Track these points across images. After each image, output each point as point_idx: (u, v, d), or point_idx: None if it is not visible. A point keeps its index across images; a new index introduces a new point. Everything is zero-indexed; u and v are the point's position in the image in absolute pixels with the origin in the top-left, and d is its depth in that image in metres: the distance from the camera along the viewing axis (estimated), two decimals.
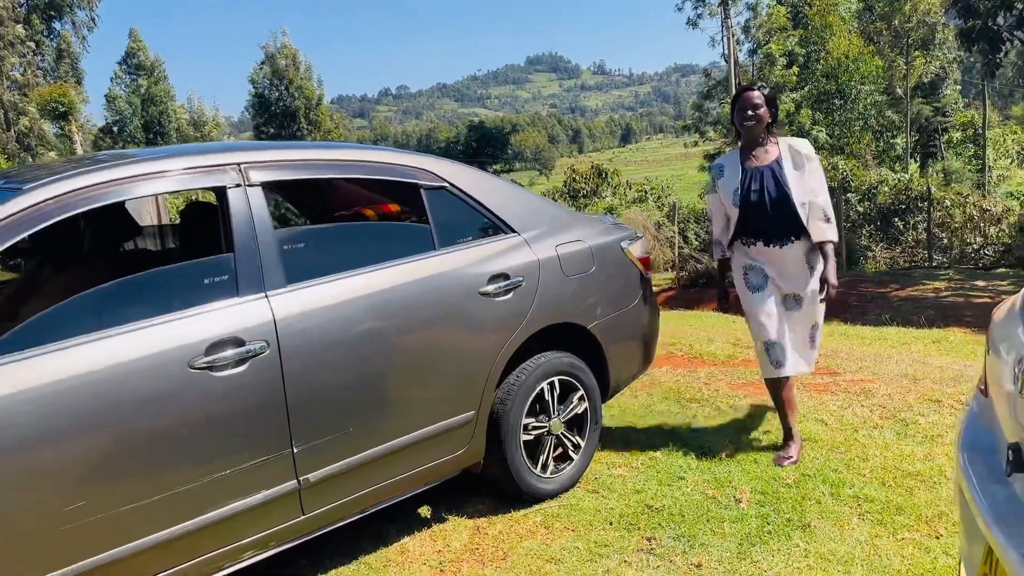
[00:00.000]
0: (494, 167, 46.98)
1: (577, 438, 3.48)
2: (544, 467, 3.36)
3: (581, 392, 3.46)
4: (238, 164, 2.65)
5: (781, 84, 31.24)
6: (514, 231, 3.27)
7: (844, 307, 12.24)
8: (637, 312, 3.73)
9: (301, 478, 2.61)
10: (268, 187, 2.74)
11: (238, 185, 2.61)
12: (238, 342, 2.45)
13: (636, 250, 3.74)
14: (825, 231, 3.47)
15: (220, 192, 2.59)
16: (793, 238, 3.48)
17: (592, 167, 24.69)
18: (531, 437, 3.31)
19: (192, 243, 3.02)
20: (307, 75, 40.99)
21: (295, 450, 2.58)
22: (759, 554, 2.88)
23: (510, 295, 3.14)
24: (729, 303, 3.97)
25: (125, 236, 3.27)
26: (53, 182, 2.29)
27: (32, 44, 31.13)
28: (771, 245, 3.52)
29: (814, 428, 4.03)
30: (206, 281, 2.52)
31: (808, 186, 3.45)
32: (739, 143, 3.68)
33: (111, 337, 2.26)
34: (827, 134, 30.72)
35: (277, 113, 45.84)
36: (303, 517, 2.65)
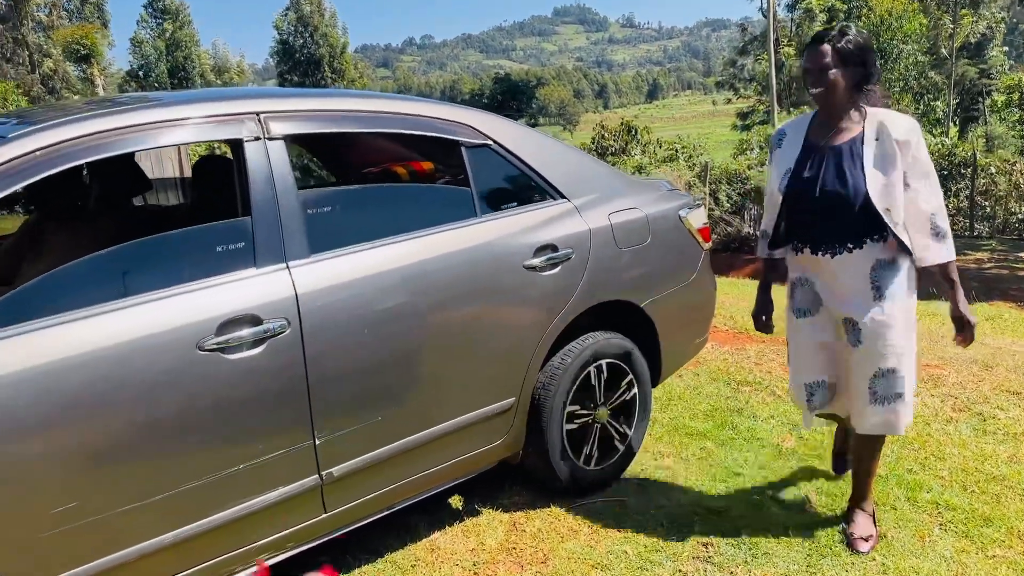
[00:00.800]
0: (519, 121, 46.30)
1: (624, 427, 3.16)
2: (588, 458, 3.05)
3: (630, 377, 3.13)
4: (257, 113, 2.30)
5: None
6: (563, 197, 2.90)
7: None
8: (694, 289, 3.37)
9: (324, 472, 2.31)
10: (292, 141, 2.40)
11: (257, 138, 2.27)
12: (254, 320, 2.13)
13: (695, 220, 3.37)
14: (936, 251, 2.47)
15: (236, 145, 2.25)
16: (851, 245, 2.48)
17: (622, 123, 23.99)
18: (575, 426, 2.99)
19: (205, 204, 2.69)
20: (332, 22, 40.36)
21: (317, 442, 2.28)
22: (831, 569, 2.56)
23: (557, 269, 2.79)
24: (769, 322, 2.85)
25: (133, 192, 2.95)
26: (40, 131, 1.96)
27: None
28: (819, 253, 2.54)
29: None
30: (219, 249, 2.19)
31: (894, 186, 2.41)
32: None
33: (107, 313, 1.95)
34: None
35: (301, 61, 45.36)
36: (325, 515, 2.36)
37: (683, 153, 21.17)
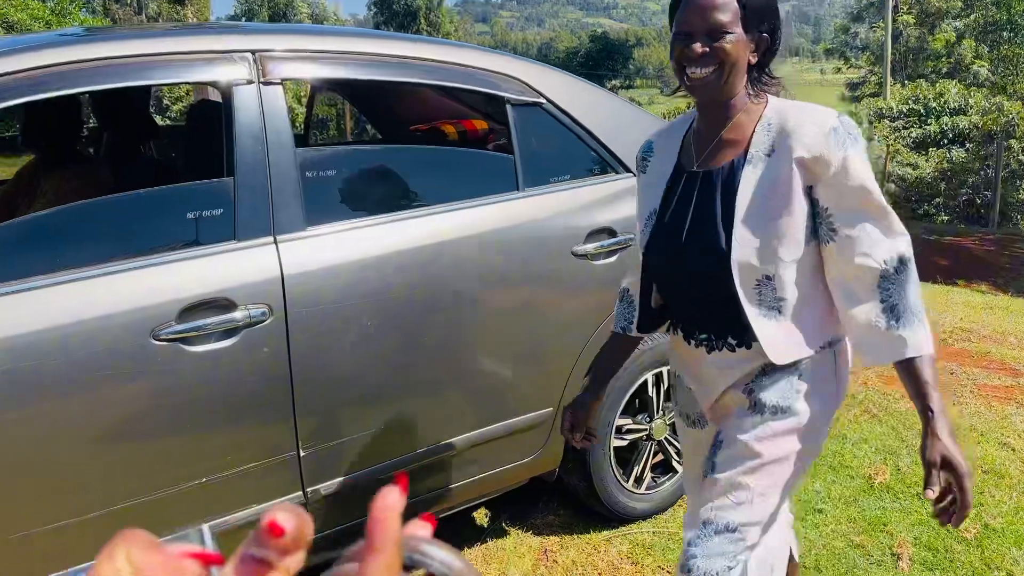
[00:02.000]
0: (612, 82, 44.96)
1: None
2: (638, 480, 2.59)
3: None
4: (252, 52, 1.89)
5: (943, 10, 27.84)
6: (628, 171, 2.40)
7: (994, 270, 10.74)
8: None
9: (309, 490, 1.93)
10: (318, 87, 1.98)
11: (249, 81, 1.86)
12: (227, 305, 1.74)
13: None
14: (888, 342, 1.40)
15: (225, 90, 1.85)
16: (733, 339, 1.50)
17: None
18: (625, 442, 2.53)
19: (192, 159, 2.32)
20: None
21: (302, 454, 1.89)
22: None
23: (614, 258, 2.30)
24: (579, 429, 1.73)
25: (138, 139, 2.60)
26: None
27: None
28: (690, 342, 1.58)
29: (997, 455, 3.08)
30: (190, 216, 1.80)
31: (782, 239, 1.40)
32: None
33: (43, 288, 1.59)
34: (989, 70, 27.42)
35: (398, 12, 45.28)
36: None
37: None
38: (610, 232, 2.29)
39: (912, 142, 18.06)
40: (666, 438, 2.62)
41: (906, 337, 1.37)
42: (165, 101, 14.56)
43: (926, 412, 1.37)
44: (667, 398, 2.59)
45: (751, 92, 1.45)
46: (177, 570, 0.33)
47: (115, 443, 1.67)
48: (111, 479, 1.67)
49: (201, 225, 1.79)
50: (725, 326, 1.50)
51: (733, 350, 1.51)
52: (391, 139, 3.25)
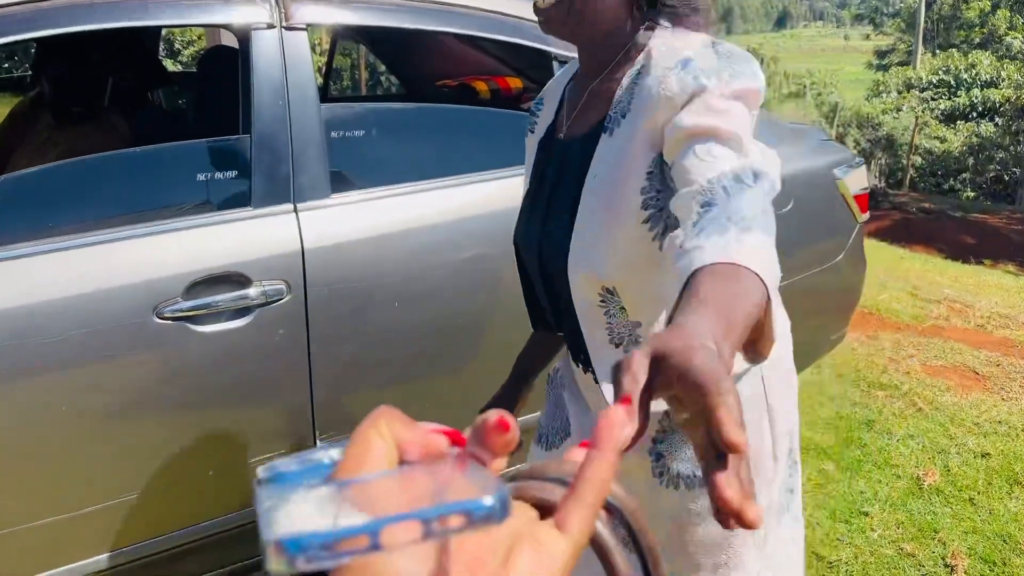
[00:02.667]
0: None
1: None
2: None
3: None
4: None
5: None
6: None
7: (1022, 249, 10.50)
8: (839, 272, 2.61)
9: None
10: (342, 34, 1.75)
11: (270, 25, 1.63)
12: (240, 280, 1.54)
13: (853, 183, 2.58)
14: (713, 245, 0.70)
15: (243, 35, 1.63)
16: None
17: (747, 50, 22.23)
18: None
19: (203, 113, 2.10)
20: None
21: (319, 445, 1.71)
22: None
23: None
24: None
25: (144, 86, 2.38)
26: None
27: None
28: (574, 360, 1.20)
29: None
30: (200, 178, 1.59)
31: (644, 226, 0.96)
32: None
33: (33, 255, 1.40)
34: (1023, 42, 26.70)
35: None
36: None
37: (811, 90, 19.44)
38: None
39: (941, 114, 17.62)
40: None
41: (731, 242, 0.72)
42: (176, 44, 14.18)
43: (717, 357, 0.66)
44: None
45: (639, 31, 1.01)
46: (430, 444, 0.34)
47: (112, 431, 1.49)
48: (108, 470, 1.50)
49: (213, 189, 1.58)
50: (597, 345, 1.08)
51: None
52: (416, 94, 3.02)
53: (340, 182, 1.68)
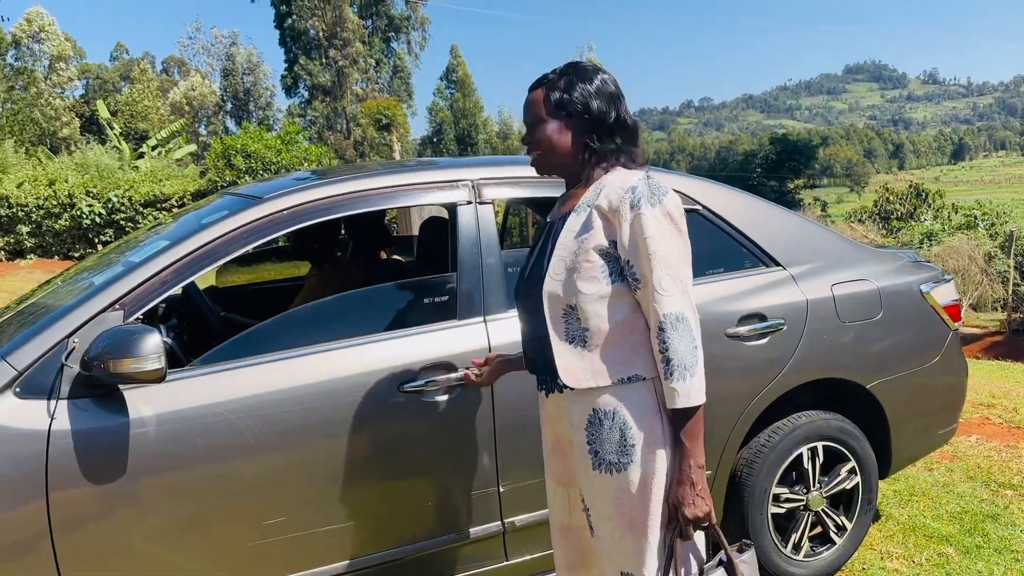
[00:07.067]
0: (795, 182, 44.09)
1: (842, 518, 2.88)
2: (796, 547, 2.82)
3: (852, 464, 2.86)
4: (471, 181, 2.52)
5: None
6: (777, 264, 2.77)
7: None
8: (937, 372, 3.01)
9: (507, 521, 2.40)
10: (516, 204, 2.57)
11: (469, 202, 2.47)
12: (450, 367, 2.30)
13: (941, 295, 3.03)
14: (666, 390, 1.66)
15: (451, 208, 2.48)
16: (560, 381, 1.76)
17: (909, 187, 21.98)
18: (782, 510, 2.79)
19: (424, 260, 2.97)
20: None
21: (501, 490, 2.38)
22: None
23: (766, 340, 2.66)
24: (487, 365, 2.22)
25: (378, 246, 3.33)
26: (287, 194, 2.31)
27: (372, 61, 35.32)
28: (539, 387, 1.91)
29: None
30: (426, 301, 2.41)
31: (582, 273, 1.69)
32: None
33: (324, 352, 2.22)
34: None
35: None
36: (506, 563, 2.44)
37: (983, 220, 18.80)
38: (761, 317, 2.66)
39: None
40: (823, 510, 2.84)
41: (676, 389, 1.61)
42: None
43: (682, 456, 1.65)
44: (823, 472, 2.83)
45: (601, 165, 1.77)
46: None
47: (368, 469, 2.23)
48: (363, 495, 2.23)
49: (432, 308, 2.38)
50: (545, 363, 1.77)
51: (562, 391, 1.76)
52: None
53: (512, 301, 2.43)
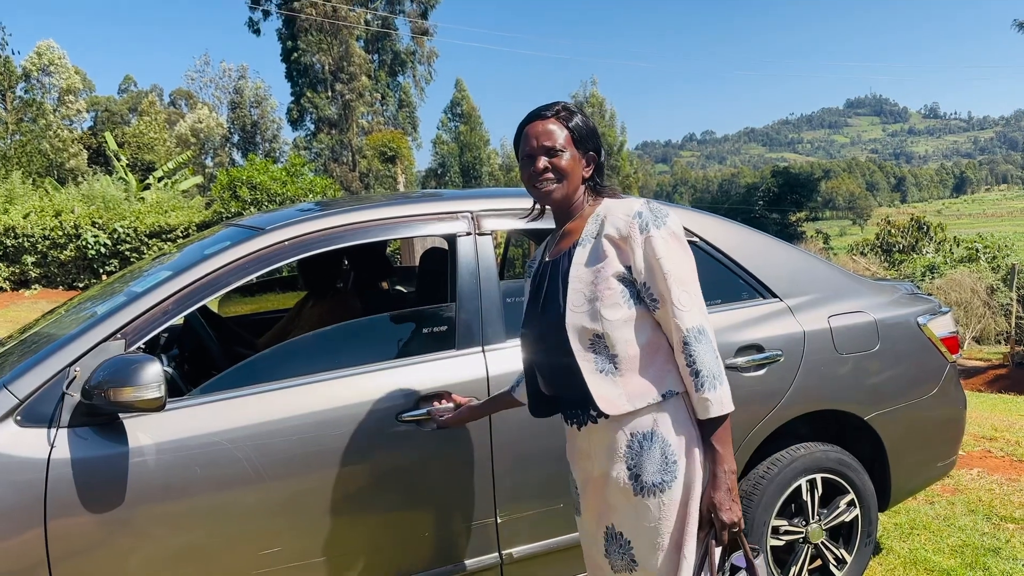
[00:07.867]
0: (797, 215, 44.26)
1: (842, 551, 2.87)
2: None
3: (851, 496, 2.86)
4: (471, 212, 2.55)
5: None
6: (775, 295, 2.80)
7: None
8: (935, 404, 3.01)
9: (504, 552, 2.40)
10: (515, 235, 2.60)
11: (468, 233, 2.51)
12: (445, 398, 2.31)
13: (938, 327, 3.04)
14: (696, 400, 1.72)
15: (450, 239, 2.51)
16: (593, 412, 1.77)
17: (911, 220, 22.06)
18: (781, 543, 2.78)
19: (424, 290, 2.99)
20: (611, 122, 42.28)
21: (499, 520, 2.38)
22: None
23: (763, 371, 2.67)
24: (453, 410, 2.26)
25: (378, 277, 3.36)
26: (289, 225, 2.35)
27: (378, 95, 35.79)
28: (569, 423, 1.88)
29: None
30: (425, 331, 2.43)
31: (603, 300, 1.71)
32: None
33: (322, 382, 2.24)
34: None
35: None
36: None
37: (985, 253, 18.83)
38: (758, 348, 2.68)
39: None
40: (822, 542, 2.83)
41: (705, 396, 1.67)
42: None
43: (714, 461, 1.70)
44: (823, 504, 2.83)
45: (589, 198, 1.85)
46: None
47: (364, 498, 2.24)
48: (360, 524, 2.24)
49: (433, 338, 2.40)
50: (577, 397, 1.77)
51: (596, 421, 1.77)
52: None
53: (511, 331, 2.45)
